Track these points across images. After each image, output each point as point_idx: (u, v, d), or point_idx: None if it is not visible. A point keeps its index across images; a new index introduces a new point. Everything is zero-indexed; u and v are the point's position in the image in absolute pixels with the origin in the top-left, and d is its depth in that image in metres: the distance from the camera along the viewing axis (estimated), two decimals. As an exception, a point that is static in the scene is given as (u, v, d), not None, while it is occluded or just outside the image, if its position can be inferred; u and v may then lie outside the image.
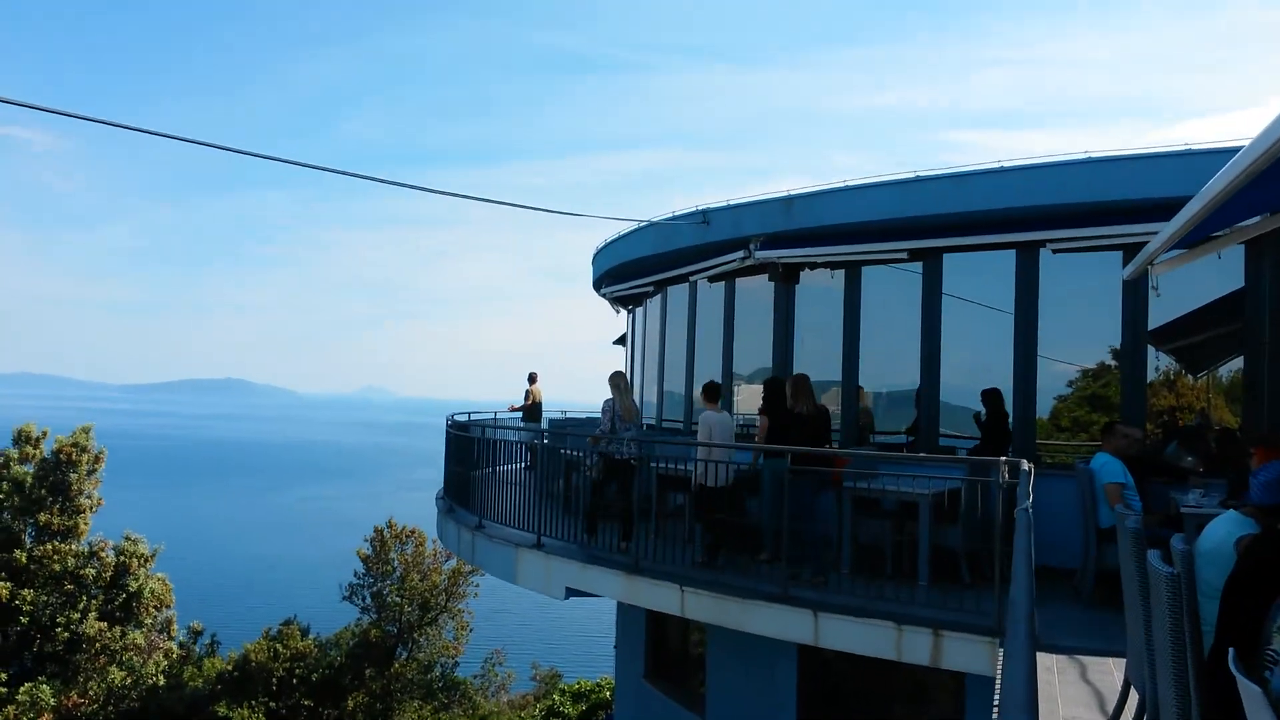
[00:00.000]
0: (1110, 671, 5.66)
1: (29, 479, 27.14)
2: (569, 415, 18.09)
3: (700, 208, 12.95)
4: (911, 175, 10.80)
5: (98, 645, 25.42)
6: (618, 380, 10.58)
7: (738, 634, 8.47)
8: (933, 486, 8.52)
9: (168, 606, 28.06)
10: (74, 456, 27.57)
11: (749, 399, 12.84)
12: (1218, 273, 9.14)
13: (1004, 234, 10.13)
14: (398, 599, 28.98)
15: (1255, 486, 6.25)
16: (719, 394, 10.19)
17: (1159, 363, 9.84)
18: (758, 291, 12.55)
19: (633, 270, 15.50)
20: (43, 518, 26.61)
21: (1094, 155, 9.67)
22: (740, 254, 12.09)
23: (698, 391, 13.74)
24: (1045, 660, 5.85)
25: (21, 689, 23.16)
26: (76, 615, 25.81)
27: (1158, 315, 9.60)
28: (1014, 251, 10.23)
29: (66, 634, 25.55)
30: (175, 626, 28.28)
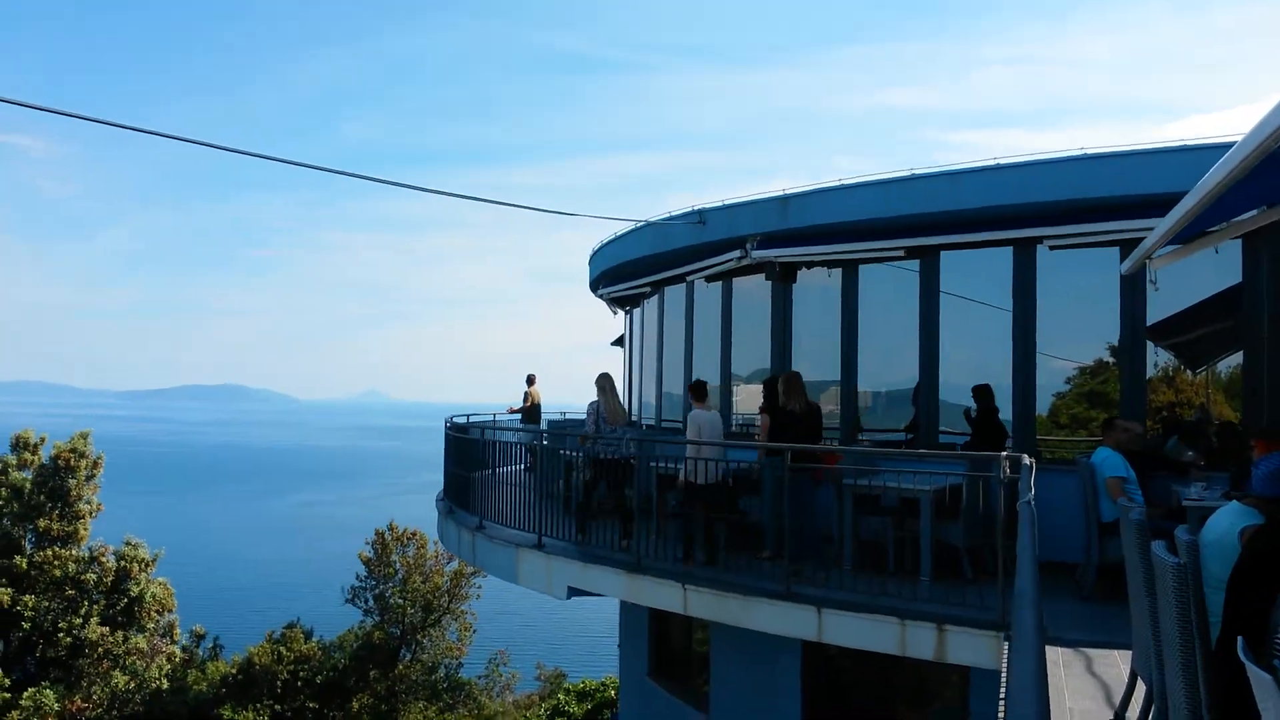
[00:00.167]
0: (1115, 664, 5.69)
1: (28, 485, 27.13)
2: (568, 416, 18.11)
3: (696, 208, 12.97)
4: (907, 173, 10.82)
5: (100, 650, 25.41)
6: (603, 382, 10.81)
7: (741, 631, 8.50)
8: (933, 483, 8.54)
9: (170, 611, 28.04)
10: (72, 462, 27.55)
11: (748, 399, 12.85)
12: (1215, 267, 9.17)
13: (1001, 231, 10.15)
14: (400, 601, 29.00)
15: (1257, 479, 6.26)
16: (706, 392, 10.29)
17: (1158, 358, 9.87)
18: (755, 291, 12.57)
19: (630, 271, 15.51)
20: (42, 523, 26.59)
21: (1090, 151, 9.70)
22: (737, 254, 12.10)
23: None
24: (1050, 654, 5.88)
25: (25, 694, 23.14)
26: (78, 620, 25.79)
27: (1156, 311, 9.62)
28: (1011, 249, 10.25)
29: (69, 639, 25.53)
30: (178, 630, 28.25)
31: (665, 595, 8.74)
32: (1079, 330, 10.43)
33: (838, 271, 11.59)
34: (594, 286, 17.88)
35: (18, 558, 25.89)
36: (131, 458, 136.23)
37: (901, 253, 10.90)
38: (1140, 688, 4.35)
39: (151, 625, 27.27)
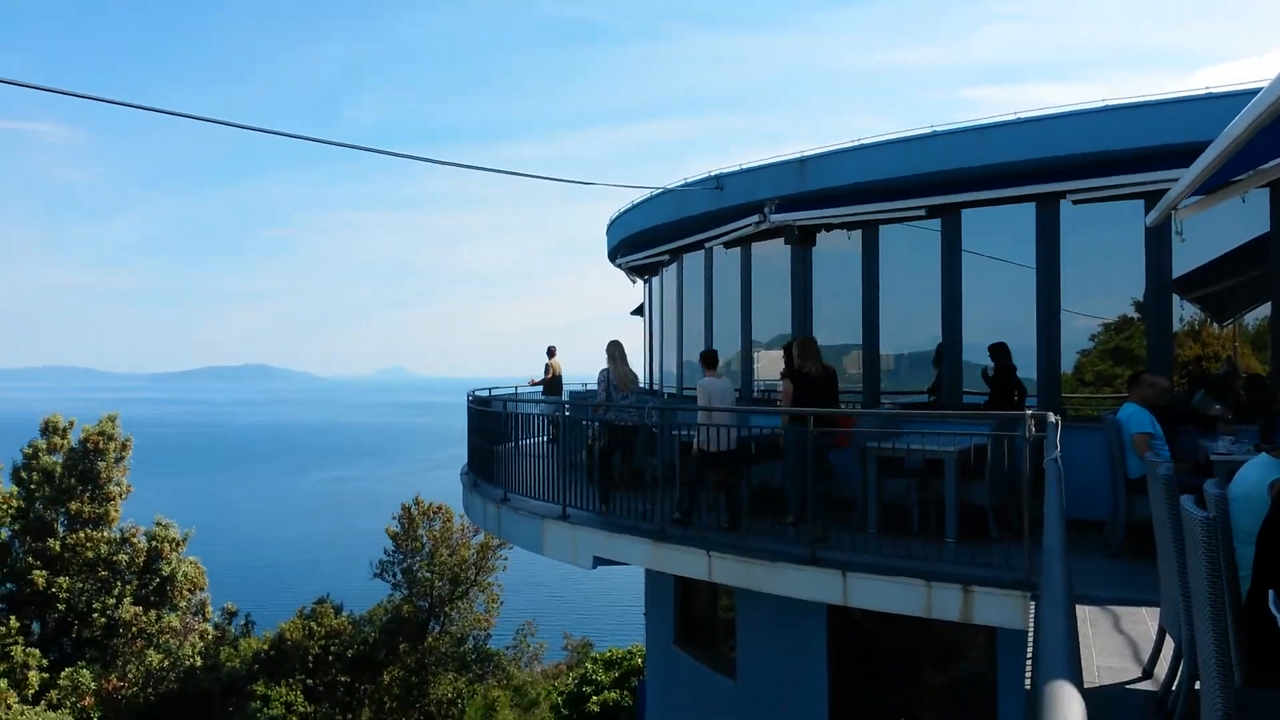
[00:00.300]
0: (1143, 620, 5.64)
1: (58, 469, 27.49)
2: (589, 387, 18.11)
3: (713, 173, 12.85)
4: (928, 130, 10.67)
5: (134, 629, 25.81)
6: (613, 350, 10.94)
7: (766, 597, 8.49)
8: (958, 443, 8.47)
9: (201, 589, 28.43)
10: (101, 445, 27.89)
11: (769, 365, 12.80)
12: (1242, 217, 9.00)
13: (1023, 186, 10.00)
14: (428, 574, 29.27)
15: (1286, 431, 6.18)
16: (717, 360, 10.31)
17: (1183, 312, 9.73)
18: (774, 256, 12.48)
19: (647, 239, 15.44)
20: (74, 506, 26.96)
21: (1112, 102, 9.52)
22: (755, 218, 11.99)
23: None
24: (1078, 611, 5.83)
25: (63, 674, 23.57)
26: (112, 600, 26.20)
27: (1181, 264, 9.48)
28: (1034, 204, 10.10)
29: (103, 619, 25.95)
30: (210, 609, 28.65)
31: (690, 563, 8.74)
32: (1103, 285, 10.29)
33: (857, 233, 11.47)
34: (612, 256, 17.81)
35: (51, 540, 26.29)
36: (159, 440, 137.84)
37: (923, 212, 10.76)
38: (1169, 644, 4.30)
39: (184, 604, 27.67)
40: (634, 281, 18.48)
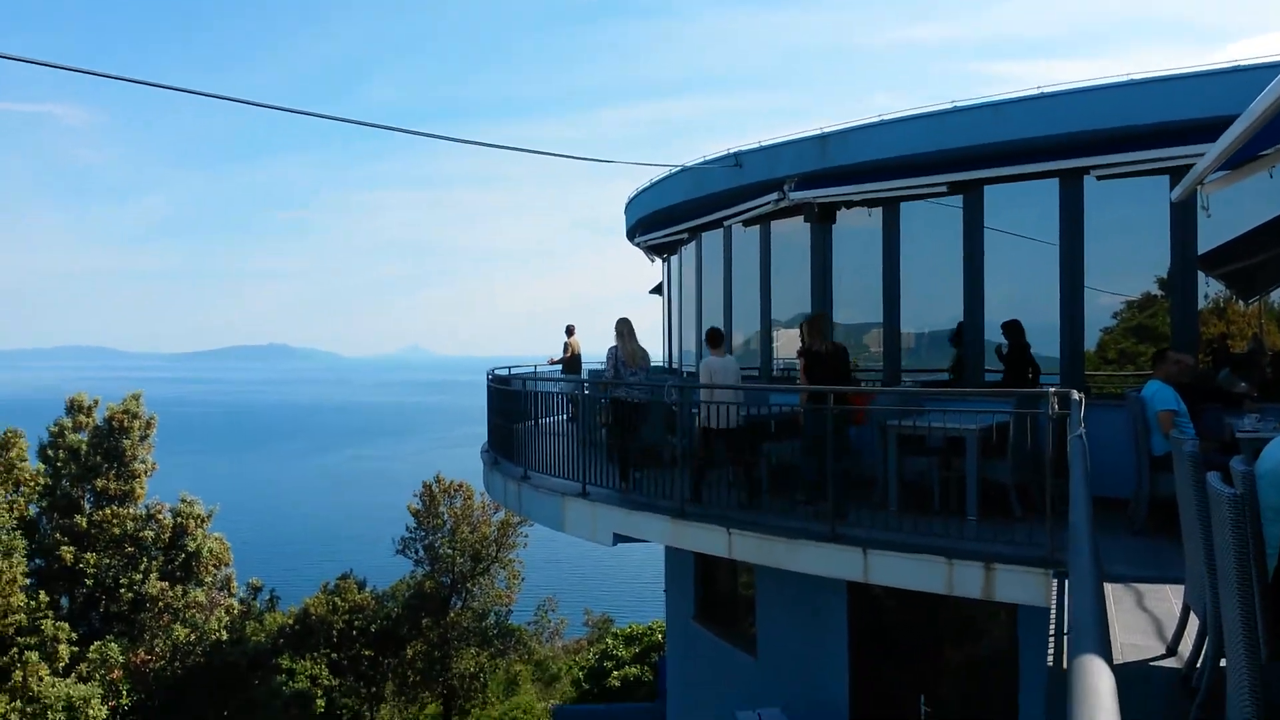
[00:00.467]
0: (1167, 598, 5.63)
1: (84, 446, 27.78)
2: (607, 366, 18.13)
3: (733, 151, 12.79)
4: (949, 106, 10.58)
5: (161, 604, 26.14)
6: (621, 327, 10.88)
7: (786, 573, 8.52)
8: (979, 421, 8.45)
9: (226, 565, 28.72)
10: (125, 423, 28.14)
11: (788, 344, 12.78)
12: (1269, 192, 8.87)
13: (1046, 162, 9.88)
14: (449, 551, 29.51)
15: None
16: (722, 339, 10.35)
17: (1208, 289, 9.63)
18: (794, 234, 12.42)
19: (666, 218, 15.39)
20: (99, 483, 27.26)
21: (1136, 77, 9.40)
22: (774, 196, 11.93)
23: (735, 339, 13.71)
24: (1101, 589, 5.83)
25: (92, 648, 23.93)
26: (139, 576, 26.52)
27: (1206, 240, 9.36)
28: (1057, 180, 9.99)
29: (130, 594, 26.28)
30: (235, 584, 28.94)
31: (710, 540, 8.77)
32: (1127, 263, 10.19)
33: (878, 211, 11.40)
34: (631, 235, 17.78)
35: (78, 517, 26.61)
36: (182, 419, 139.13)
37: (944, 188, 10.67)
38: (1193, 621, 4.29)
39: (209, 579, 27.97)
40: (652, 260, 18.45)
